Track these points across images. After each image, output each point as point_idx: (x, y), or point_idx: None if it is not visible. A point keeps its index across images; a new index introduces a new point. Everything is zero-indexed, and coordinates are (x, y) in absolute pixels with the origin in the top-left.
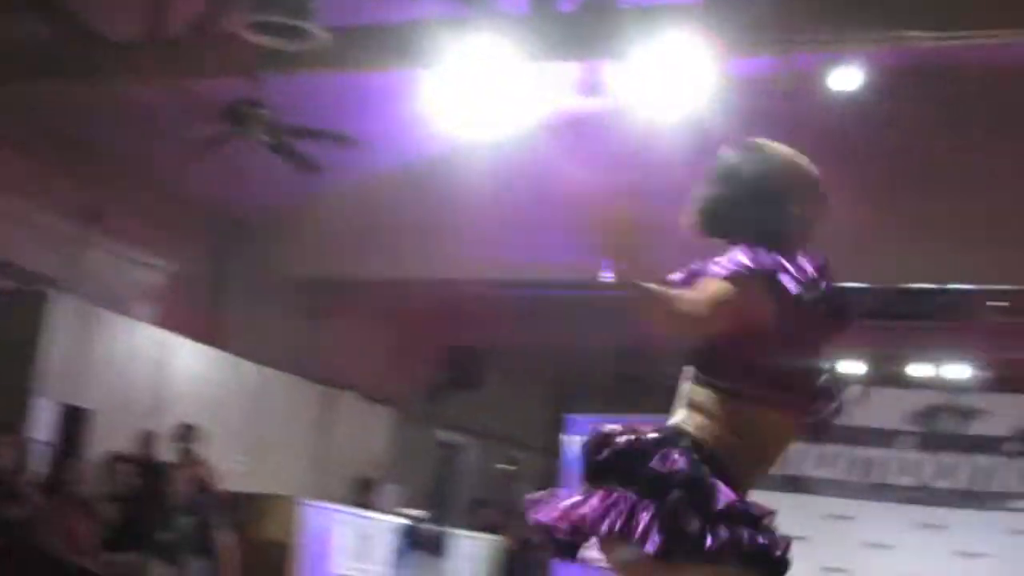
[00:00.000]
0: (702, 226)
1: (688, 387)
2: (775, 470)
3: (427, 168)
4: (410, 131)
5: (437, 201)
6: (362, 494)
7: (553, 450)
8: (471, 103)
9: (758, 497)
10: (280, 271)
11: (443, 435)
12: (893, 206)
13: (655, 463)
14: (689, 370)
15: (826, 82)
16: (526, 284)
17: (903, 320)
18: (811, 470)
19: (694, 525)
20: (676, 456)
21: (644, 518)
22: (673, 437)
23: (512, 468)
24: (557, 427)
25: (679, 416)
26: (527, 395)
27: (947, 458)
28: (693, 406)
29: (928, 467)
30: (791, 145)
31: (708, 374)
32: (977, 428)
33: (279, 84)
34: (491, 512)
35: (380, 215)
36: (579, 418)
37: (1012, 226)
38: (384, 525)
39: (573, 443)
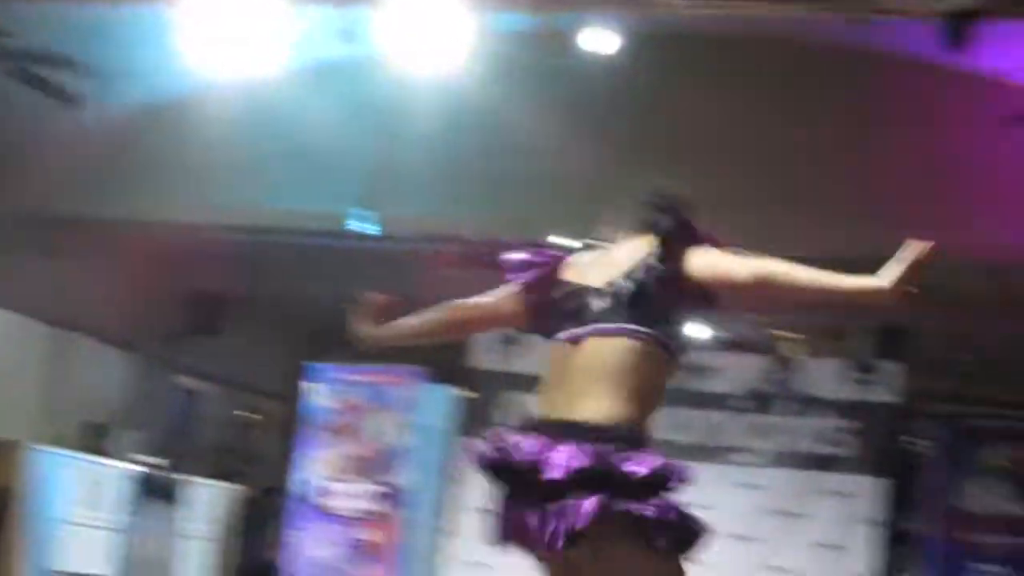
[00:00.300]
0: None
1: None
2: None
3: (175, 107)
4: (161, 68)
5: (183, 142)
6: (95, 440)
7: (294, 398)
8: (225, 43)
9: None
10: (10, 205)
11: (181, 381)
12: (644, 171)
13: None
14: None
15: (580, 43)
16: (268, 231)
17: None
18: None
19: None
20: None
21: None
22: None
23: (253, 416)
24: (298, 375)
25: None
26: (268, 343)
27: (683, 413)
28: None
29: (665, 422)
30: (543, 102)
31: None
32: (710, 385)
33: (22, 10)
34: (230, 460)
35: (123, 153)
36: (320, 367)
37: (770, 196)
38: (117, 472)
39: (314, 391)
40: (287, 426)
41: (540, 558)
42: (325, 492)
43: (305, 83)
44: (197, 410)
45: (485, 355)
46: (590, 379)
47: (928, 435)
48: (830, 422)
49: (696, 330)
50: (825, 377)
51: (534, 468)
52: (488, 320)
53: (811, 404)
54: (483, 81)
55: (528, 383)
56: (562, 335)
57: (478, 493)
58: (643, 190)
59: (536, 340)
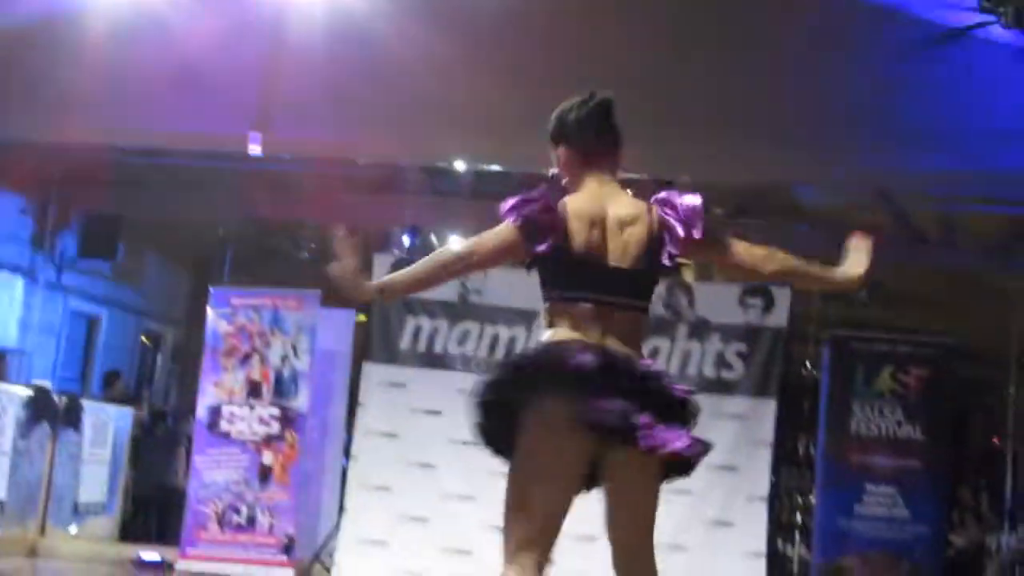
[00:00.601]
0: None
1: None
2: (417, 346)
3: (63, 25)
4: None
5: (71, 62)
6: None
7: (197, 323)
8: None
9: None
10: None
11: (77, 305)
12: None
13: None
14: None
15: None
16: (159, 153)
17: None
18: (449, 348)
19: None
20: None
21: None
22: None
23: (152, 341)
24: (197, 299)
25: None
26: (165, 267)
27: None
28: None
29: None
30: (435, 24)
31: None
32: None
33: None
34: (126, 384)
35: (8, 72)
36: (218, 291)
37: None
38: (11, 396)
39: (213, 315)
40: (189, 350)
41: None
42: (225, 416)
43: (192, 2)
44: (94, 334)
45: (380, 279)
46: (621, 341)
47: (818, 359)
48: (723, 346)
49: None
50: (717, 302)
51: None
52: (488, 265)
53: (704, 328)
54: (373, 1)
55: (423, 307)
56: (591, 298)
57: (378, 416)
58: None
59: None
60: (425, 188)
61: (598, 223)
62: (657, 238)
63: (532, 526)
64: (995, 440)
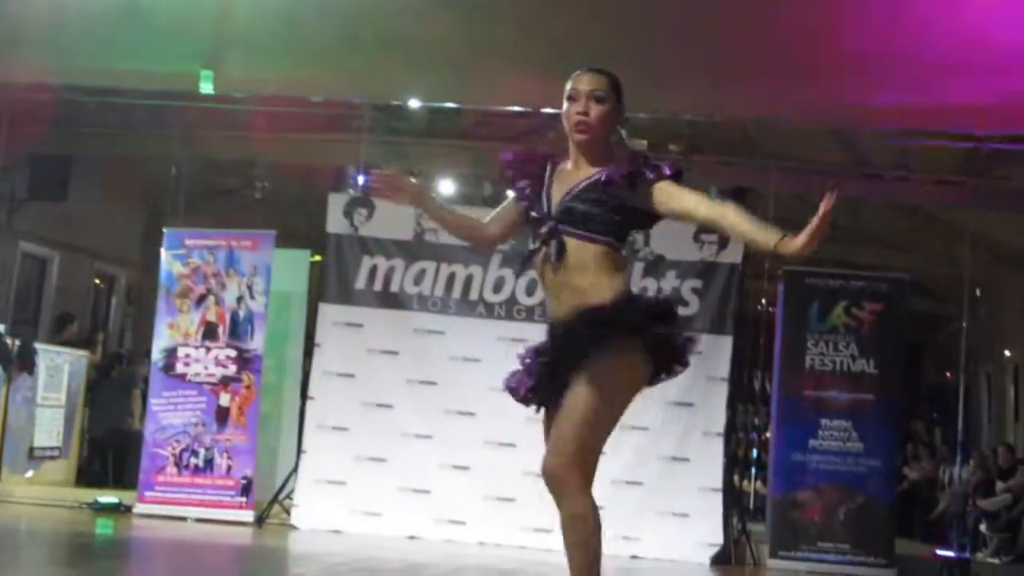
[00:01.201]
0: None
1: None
2: (373, 286)
3: None
4: None
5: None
6: None
7: (151, 264)
8: None
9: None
10: None
11: (28, 248)
12: (493, 29)
13: None
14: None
15: None
16: (117, 92)
17: (495, 141)
18: (405, 287)
19: None
20: None
21: None
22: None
23: (105, 283)
24: (155, 241)
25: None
26: (122, 207)
27: (532, 275)
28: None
29: (514, 284)
30: None
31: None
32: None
33: None
34: (79, 327)
35: None
36: (173, 232)
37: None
38: None
39: (167, 257)
40: (141, 292)
41: None
42: (181, 358)
43: None
44: (45, 277)
45: (335, 219)
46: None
47: (773, 295)
48: (679, 283)
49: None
50: (672, 239)
51: None
52: (504, 236)
53: (660, 265)
54: None
55: (379, 246)
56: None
57: (335, 357)
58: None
59: (384, 204)
60: (379, 126)
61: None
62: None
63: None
64: (948, 374)
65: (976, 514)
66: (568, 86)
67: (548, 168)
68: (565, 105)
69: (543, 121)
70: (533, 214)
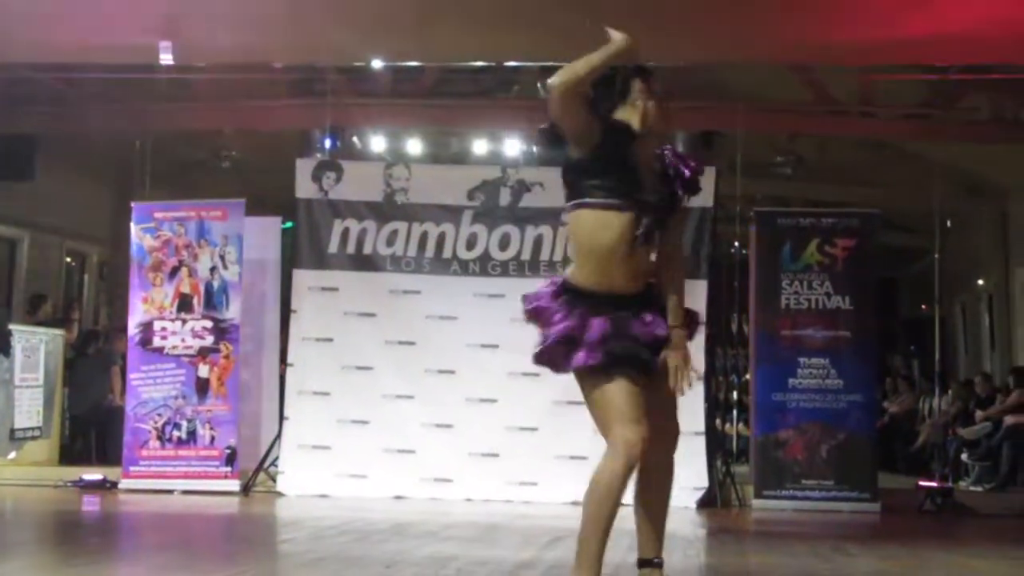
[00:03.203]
0: None
1: None
2: (346, 249)
3: None
4: None
5: None
6: None
7: (121, 240)
8: None
9: (332, 276)
10: None
11: None
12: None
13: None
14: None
15: None
16: (77, 68)
17: (459, 98)
18: (378, 248)
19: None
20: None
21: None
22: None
23: (77, 261)
24: (124, 216)
25: None
26: (90, 184)
27: (504, 230)
28: None
29: (487, 240)
30: None
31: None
32: (530, 200)
33: None
34: (53, 306)
35: None
36: (141, 206)
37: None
38: None
39: (140, 231)
40: (113, 268)
41: None
42: (157, 332)
43: None
44: (15, 257)
45: (304, 184)
46: None
47: (745, 237)
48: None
49: (515, 148)
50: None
51: None
52: None
53: None
54: None
55: (349, 209)
56: None
57: (312, 322)
58: None
59: (352, 167)
60: (344, 88)
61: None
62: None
63: None
64: (923, 307)
65: (957, 444)
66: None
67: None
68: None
69: (506, 75)
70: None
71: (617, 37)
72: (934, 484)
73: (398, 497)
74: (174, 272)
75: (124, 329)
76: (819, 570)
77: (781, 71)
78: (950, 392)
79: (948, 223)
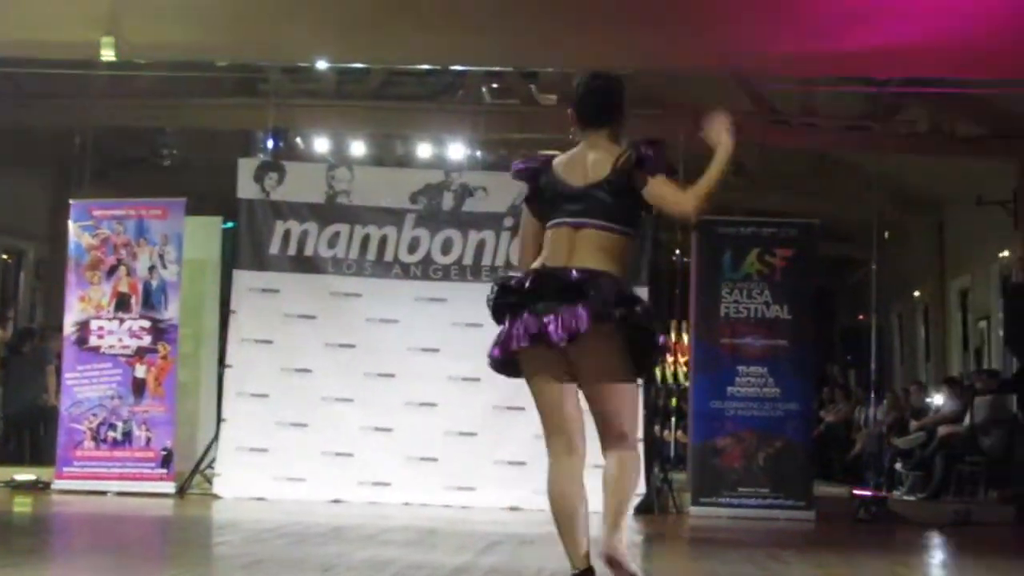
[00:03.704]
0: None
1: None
2: (287, 251)
3: None
4: None
5: None
6: None
7: (59, 237)
8: None
9: (272, 277)
10: None
11: None
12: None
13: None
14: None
15: None
16: (17, 62)
17: (404, 100)
18: (319, 250)
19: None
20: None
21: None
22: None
23: (13, 258)
24: (62, 214)
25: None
26: (26, 181)
27: (447, 234)
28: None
29: (430, 243)
30: None
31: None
32: (473, 205)
33: None
34: None
35: None
36: (80, 203)
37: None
38: None
39: (78, 229)
40: (50, 266)
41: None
42: (94, 331)
43: None
44: None
45: (246, 184)
46: (586, 251)
47: (686, 245)
48: None
49: (459, 152)
50: None
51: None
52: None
53: None
54: None
55: (291, 210)
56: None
57: (252, 323)
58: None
59: (294, 168)
60: (288, 89)
61: (577, 165)
62: (620, 167)
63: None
64: (860, 317)
65: (891, 453)
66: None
67: None
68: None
69: (452, 79)
70: None
71: (725, 142)
72: (868, 493)
73: (336, 501)
74: (112, 271)
75: (60, 328)
76: None
77: (723, 81)
78: (885, 402)
79: (886, 234)
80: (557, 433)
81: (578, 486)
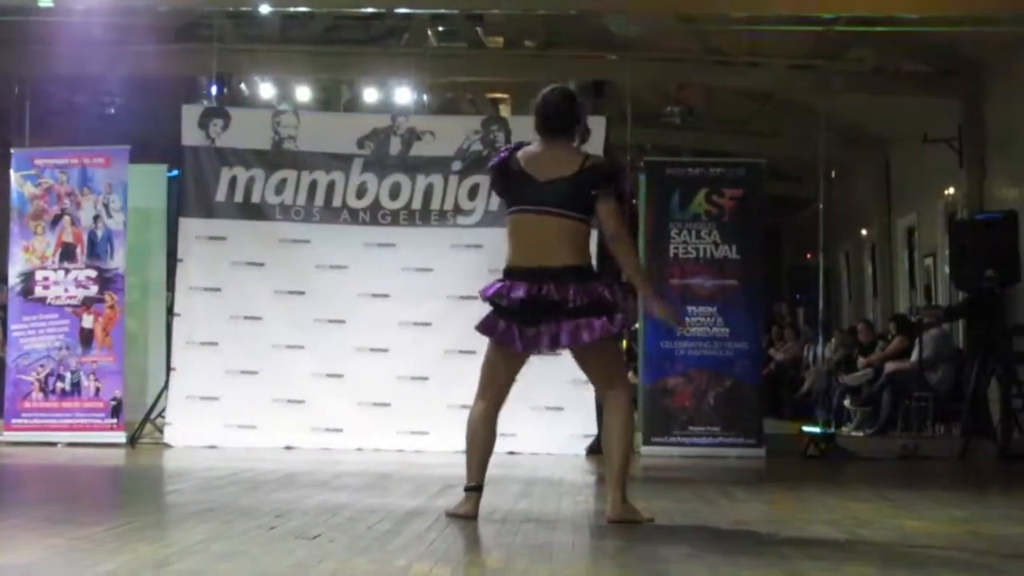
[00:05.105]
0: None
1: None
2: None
3: None
4: None
5: None
6: None
7: (0, 188)
8: None
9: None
10: None
11: None
12: None
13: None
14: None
15: None
16: None
17: (349, 45)
18: (267, 197)
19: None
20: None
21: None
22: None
23: None
24: (2, 163)
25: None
26: None
27: (395, 179)
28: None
29: (377, 189)
30: None
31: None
32: (421, 149)
33: None
34: None
35: None
36: (25, 152)
37: None
38: None
39: (20, 178)
40: None
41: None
42: (39, 282)
43: None
44: None
45: (190, 131)
46: (554, 242)
47: (635, 186)
48: None
49: (406, 96)
50: (534, 134)
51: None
52: None
53: None
54: None
55: (237, 156)
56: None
57: (200, 272)
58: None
59: (239, 114)
60: (231, 34)
61: (540, 162)
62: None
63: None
64: (808, 255)
65: (840, 390)
66: None
67: None
68: None
69: (397, 23)
70: None
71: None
72: (817, 430)
73: (288, 447)
74: (56, 220)
75: (4, 279)
76: (705, 514)
77: (669, 22)
78: (833, 340)
79: (833, 173)
80: (489, 386)
81: (486, 426)
